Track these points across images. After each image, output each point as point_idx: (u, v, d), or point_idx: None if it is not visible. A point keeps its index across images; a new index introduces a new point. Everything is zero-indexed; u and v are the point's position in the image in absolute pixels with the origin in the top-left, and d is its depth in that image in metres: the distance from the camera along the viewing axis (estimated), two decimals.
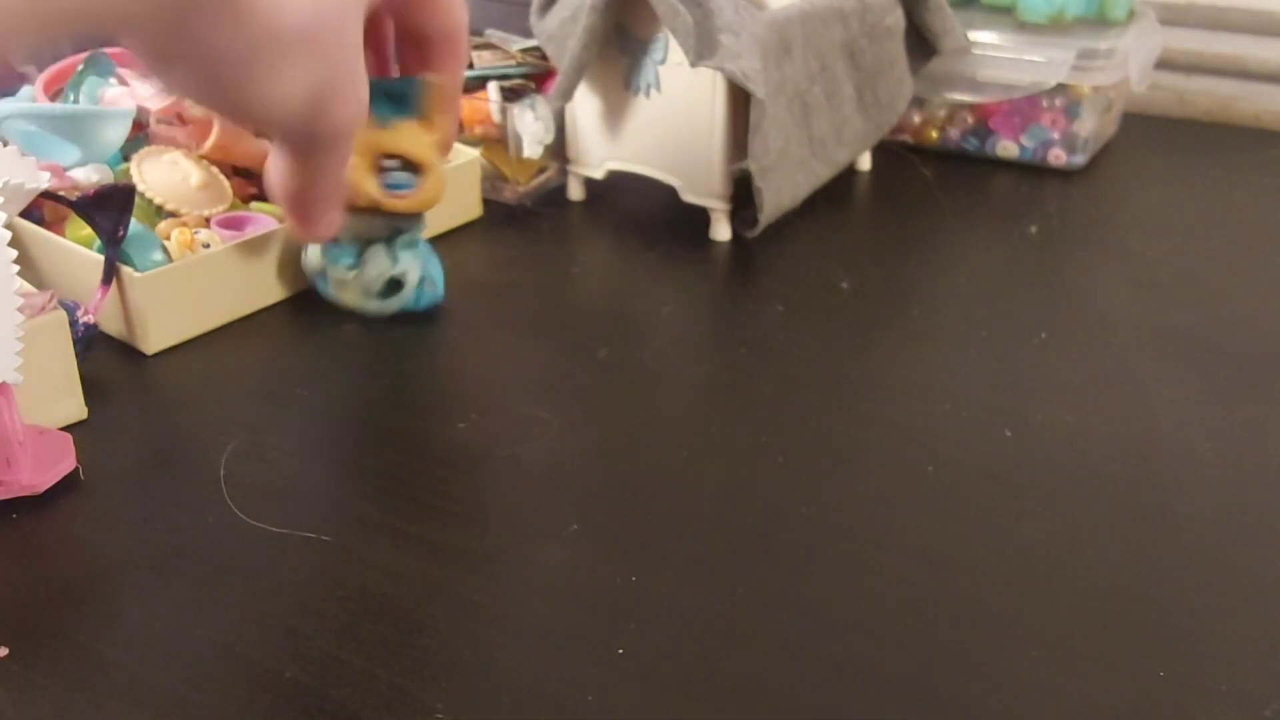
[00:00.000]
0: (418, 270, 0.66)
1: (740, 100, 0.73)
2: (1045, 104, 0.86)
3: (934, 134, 0.91)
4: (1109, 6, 0.86)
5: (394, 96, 0.58)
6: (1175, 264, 0.73)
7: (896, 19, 0.81)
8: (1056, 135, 0.86)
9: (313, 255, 0.67)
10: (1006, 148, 0.88)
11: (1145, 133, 0.94)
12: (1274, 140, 0.93)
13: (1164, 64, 1.00)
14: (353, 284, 0.65)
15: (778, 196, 0.75)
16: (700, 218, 0.78)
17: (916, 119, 0.91)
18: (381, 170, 0.61)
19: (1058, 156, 0.86)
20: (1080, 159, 0.86)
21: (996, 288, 0.71)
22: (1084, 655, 0.43)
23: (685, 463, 0.55)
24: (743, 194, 0.76)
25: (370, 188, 0.61)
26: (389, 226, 0.64)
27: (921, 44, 0.84)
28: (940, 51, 0.84)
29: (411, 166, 0.61)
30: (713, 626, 0.45)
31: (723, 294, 0.71)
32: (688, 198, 0.78)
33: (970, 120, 0.89)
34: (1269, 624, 0.45)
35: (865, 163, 0.88)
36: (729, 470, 0.55)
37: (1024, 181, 0.86)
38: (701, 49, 0.69)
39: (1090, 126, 0.85)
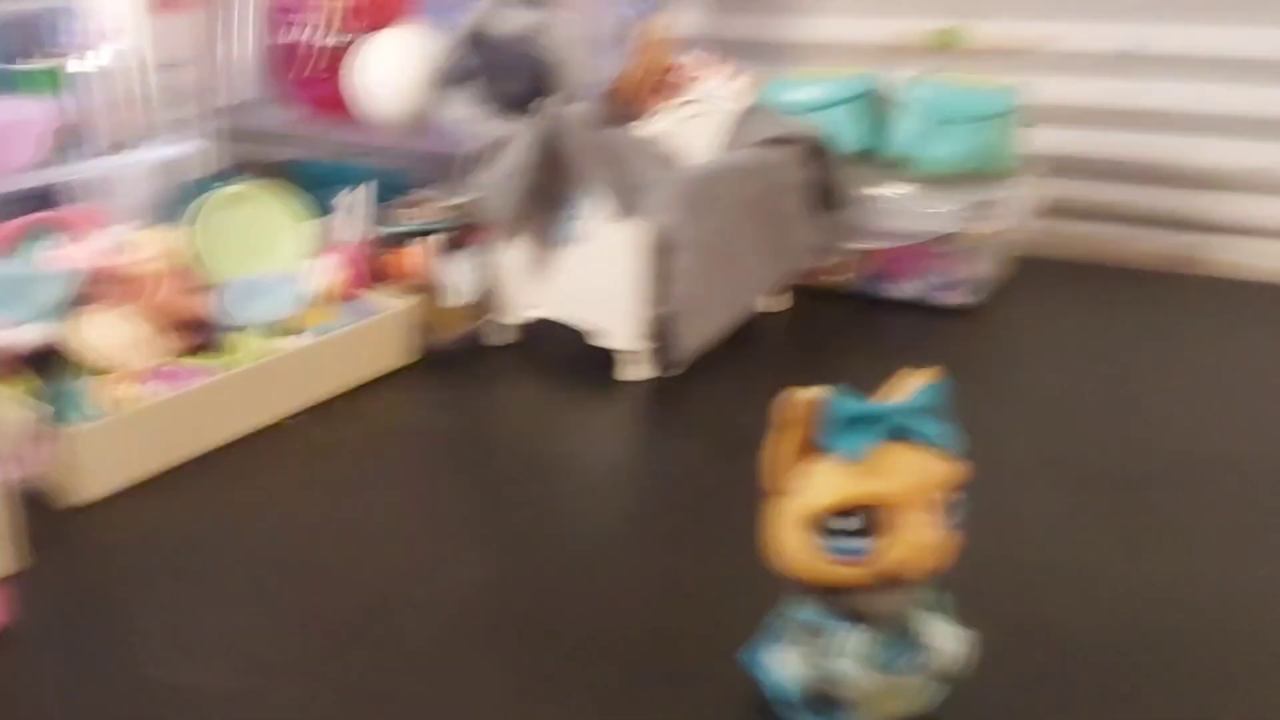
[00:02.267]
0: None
1: (658, 250, 0.78)
2: (941, 249, 0.92)
3: (840, 278, 0.97)
4: (996, 161, 0.93)
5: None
6: (1059, 396, 0.79)
7: (799, 176, 0.87)
8: (951, 278, 0.92)
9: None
10: (908, 290, 0.94)
11: (1035, 273, 1.01)
12: (1148, 279, 1.01)
13: (1053, 211, 1.08)
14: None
15: (696, 338, 0.80)
16: (620, 360, 0.82)
17: (823, 265, 0.97)
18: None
19: (954, 298, 0.93)
20: (975, 299, 0.92)
21: None
22: None
23: (597, 597, 0.58)
24: (661, 336, 0.80)
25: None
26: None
27: (824, 198, 0.91)
28: (841, 205, 0.91)
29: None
30: None
31: (640, 431, 0.75)
32: (608, 342, 0.82)
33: (872, 265, 0.95)
34: None
35: (777, 304, 0.93)
36: (635, 597, 0.57)
37: (923, 321, 0.92)
38: (627, 204, 0.74)
39: (982, 269, 0.92)
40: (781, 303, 0.93)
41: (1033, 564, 0.60)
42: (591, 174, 0.74)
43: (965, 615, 0.49)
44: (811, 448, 0.47)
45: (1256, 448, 0.70)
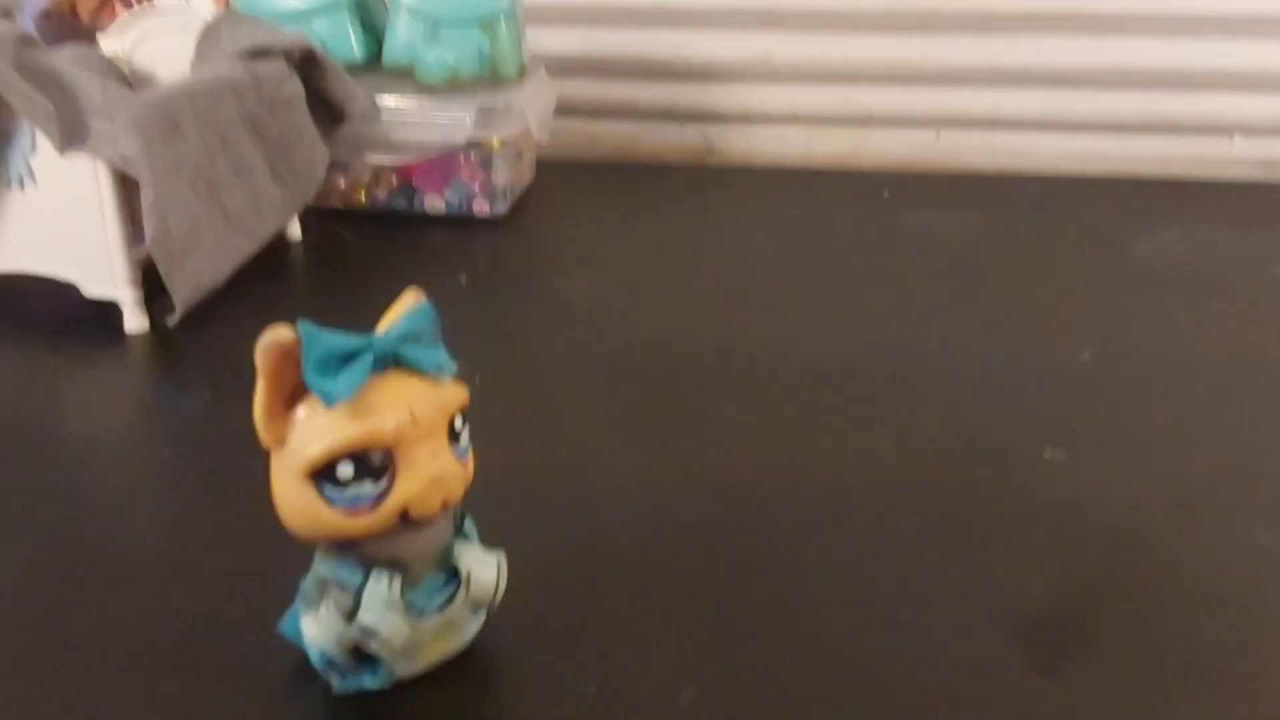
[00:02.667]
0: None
1: (132, 184, 0.68)
2: (462, 159, 0.89)
3: (362, 196, 0.91)
4: (499, 65, 0.91)
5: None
6: (591, 297, 0.79)
7: (295, 89, 0.80)
8: (477, 187, 0.90)
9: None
10: (434, 203, 0.90)
11: (561, 176, 1.01)
12: (669, 172, 1.04)
13: (571, 111, 1.08)
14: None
15: (195, 278, 0.71)
16: (112, 312, 0.71)
17: (343, 183, 0.91)
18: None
19: (481, 207, 0.90)
20: (502, 207, 0.90)
21: None
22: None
23: (110, 583, 0.50)
24: (157, 280, 0.71)
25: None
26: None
27: (328, 111, 0.84)
28: (348, 118, 0.85)
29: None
30: None
31: (142, 389, 0.66)
32: (91, 292, 0.71)
33: (395, 180, 0.90)
34: (678, 618, 0.49)
35: (295, 231, 0.86)
36: (155, 583, 0.50)
37: (454, 234, 0.89)
38: (69, 136, 0.63)
39: (505, 177, 0.90)
40: (299, 230, 0.86)
41: (573, 471, 0.59)
42: (29, 103, 0.62)
43: (503, 537, 0.47)
44: (300, 391, 0.42)
45: (789, 334, 0.74)
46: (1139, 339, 0.73)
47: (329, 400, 0.40)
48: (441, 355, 0.44)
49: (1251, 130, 1.06)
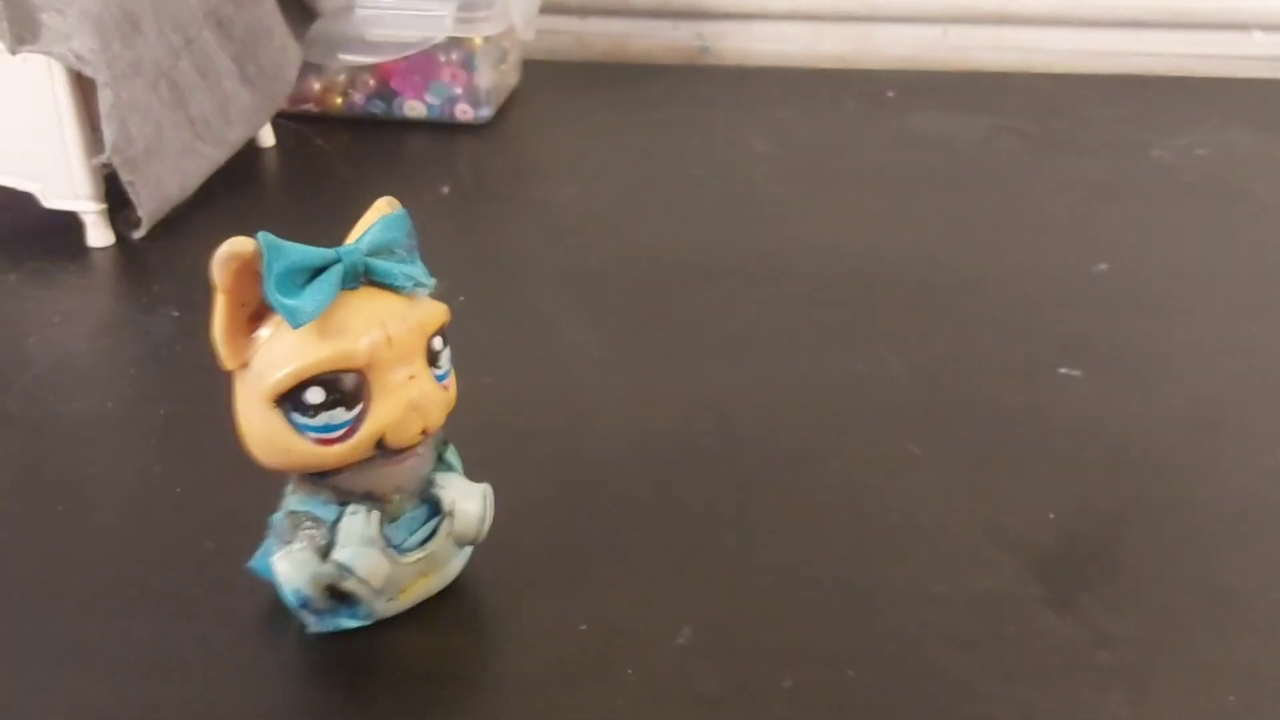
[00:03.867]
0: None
1: (89, 86, 0.63)
2: (443, 59, 0.84)
3: (338, 100, 0.86)
4: None
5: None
6: (580, 207, 0.75)
7: None
8: (459, 90, 0.85)
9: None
10: (414, 107, 0.86)
11: (547, 78, 0.96)
12: (662, 73, 0.99)
13: (558, 8, 1.02)
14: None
15: (161, 188, 0.67)
16: (73, 224, 0.68)
17: (317, 86, 0.86)
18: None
19: (464, 111, 0.85)
20: (486, 112, 0.86)
21: None
22: None
23: (78, 522, 0.47)
24: (122, 191, 0.67)
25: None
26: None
27: (299, 7, 0.79)
28: (320, 13, 0.79)
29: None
30: None
31: (107, 308, 0.63)
32: (52, 203, 0.67)
33: (372, 82, 0.85)
34: (674, 550, 0.46)
35: (267, 138, 0.82)
36: (121, 516, 0.47)
37: (436, 140, 0.84)
38: (20, 33, 0.59)
39: (489, 78, 0.85)
40: (271, 137, 0.82)
41: (563, 394, 0.56)
42: None
43: (489, 467, 0.44)
44: (265, 309, 0.38)
45: (790, 246, 0.70)
46: (1158, 249, 0.69)
47: (295, 320, 0.37)
48: (418, 269, 0.40)
49: (1270, 26, 1.01)
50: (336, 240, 0.40)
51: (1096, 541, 0.47)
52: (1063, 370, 0.57)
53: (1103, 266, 0.67)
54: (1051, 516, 0.48)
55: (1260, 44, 1.01)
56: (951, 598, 0.44)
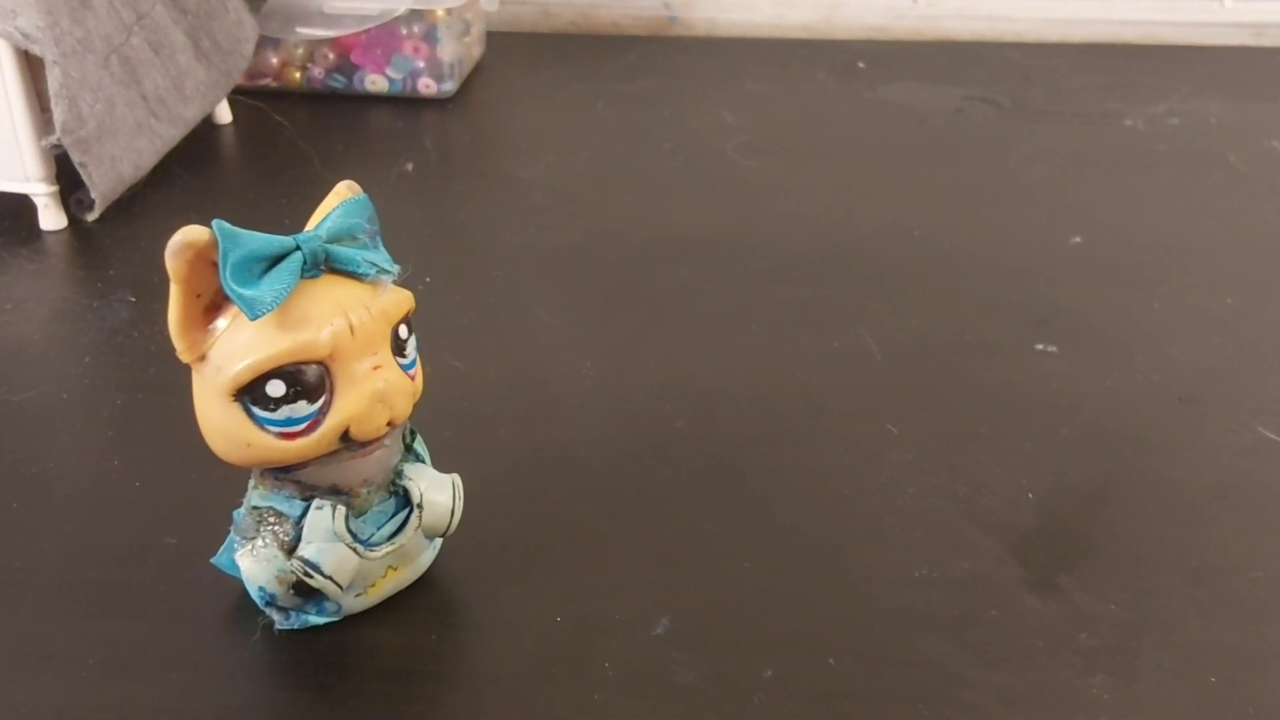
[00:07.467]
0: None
1: (38, 65, 0.61)
2: (405, 32, 0.82)
3: (297, 75, 0.84)
4: None
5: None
6: (548, 184, 0.73)
7: None
8: (422, 63, 0.83)
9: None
10: (375, 82, 0.84)
11: (513, 51, 0.94)
12: (629, 44, 0.97)
13: None
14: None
15: (114, 169, 0.65)
16: (24, 207, 0.65)
17: (275, 60, 0.84)
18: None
19: (427, 85, 0.83)
20: (450, 85, 0.84)
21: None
22: None
23: (26, 514, 0.46)
24: (75, 173, 0.65)
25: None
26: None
27: None
28: None
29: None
30: None
31: (60, 293, 0.61)
32: (1, 186, 0.65)
33: (332, 56, 0.83)
34: (650, 537, 0.45)
35: (224, 115, 0.79)
36: (78, 511, 0.46)
37: (399, 116, 0.82)
38: None
39: (452, 51, 0.83)
40: (229, 114, 0.79)
41: (533, 379, 0.54)
42: None
43: (458, 456, 0.43)
44: (222, 298, 0.37)
45: (761, 221, 0.69)
46: (1132, 220, 0.69)
47: (252, 312, 0.35)
48: (381, 255, 0.39)
49: None
50: (298, 219, 0.38)
51: (1076, 521, 0.46)
52: (1039, 346, 0.57)
53: (1077, 239, 0.66)
54: (1030, 496, 0.47)
55: (1231, 10, 1.01)
56: (932, 581, 0.43)
